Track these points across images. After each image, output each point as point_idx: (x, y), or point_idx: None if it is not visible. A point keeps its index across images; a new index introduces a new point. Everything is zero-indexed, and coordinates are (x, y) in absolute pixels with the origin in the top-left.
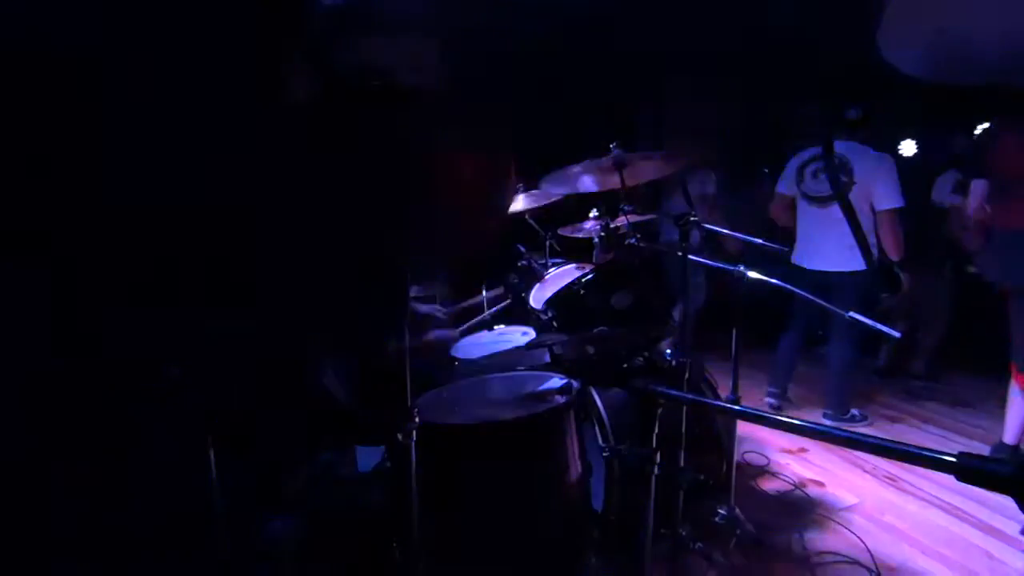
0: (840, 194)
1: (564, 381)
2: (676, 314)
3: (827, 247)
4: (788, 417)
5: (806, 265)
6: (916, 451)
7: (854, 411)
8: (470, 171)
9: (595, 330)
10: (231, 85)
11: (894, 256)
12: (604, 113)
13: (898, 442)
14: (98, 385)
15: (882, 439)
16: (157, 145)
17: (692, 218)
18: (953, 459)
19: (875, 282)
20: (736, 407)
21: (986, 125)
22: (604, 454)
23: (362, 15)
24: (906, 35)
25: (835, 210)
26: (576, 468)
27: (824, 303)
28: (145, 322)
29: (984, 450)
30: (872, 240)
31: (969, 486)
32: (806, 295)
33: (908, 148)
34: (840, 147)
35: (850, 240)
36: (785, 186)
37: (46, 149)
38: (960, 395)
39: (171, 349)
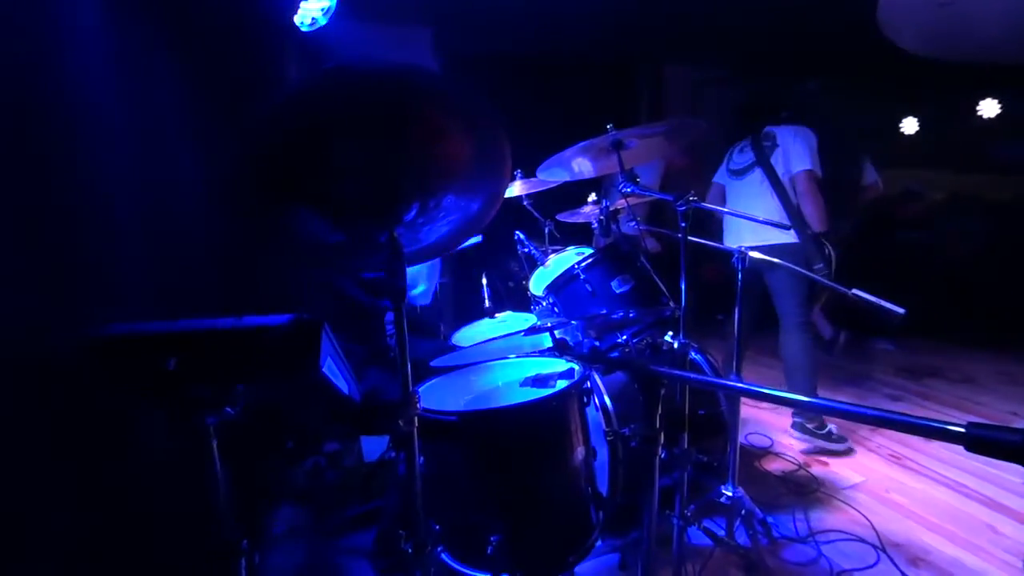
0: (763, 159)
1: (567, 366)
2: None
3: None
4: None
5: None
6: (924, 423)
7: (831, 427)
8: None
9: (596, 314)
10: None
11: (815, 227)
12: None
13: (906, 415)
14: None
15: (891, 412)
16: None
17: (692, 199)
18: (961, 429)
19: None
20: (737, 384)
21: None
22: (608, 438)
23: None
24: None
25: (757, 176)
26: (580, 452)
27: (823, 280)
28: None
29: None
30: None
31: (972, 463)
32: (811, 274)
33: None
34: (771, 128)
35: (776, 208)
36: (718, 174)
37: None
38: (962, 371)
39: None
